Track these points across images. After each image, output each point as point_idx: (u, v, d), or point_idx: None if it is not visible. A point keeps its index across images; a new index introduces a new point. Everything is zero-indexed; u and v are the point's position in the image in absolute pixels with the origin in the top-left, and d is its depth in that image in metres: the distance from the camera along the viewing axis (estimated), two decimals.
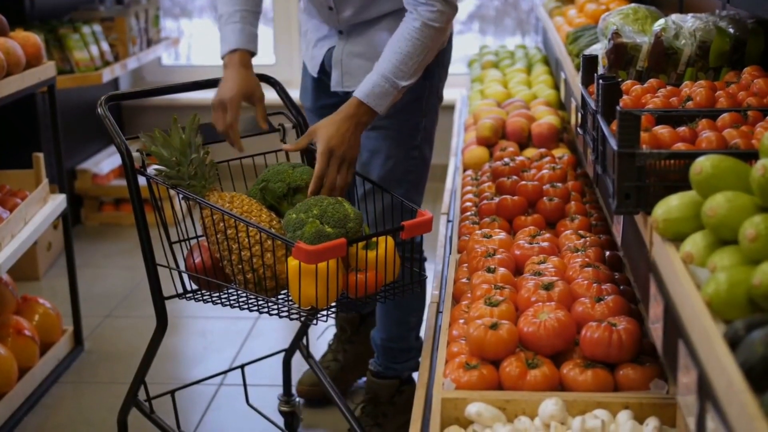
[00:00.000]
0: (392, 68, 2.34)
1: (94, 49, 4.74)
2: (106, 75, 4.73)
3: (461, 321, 2.11)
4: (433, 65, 2.56)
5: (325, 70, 2.76)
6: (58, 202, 3.49)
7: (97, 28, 4.87)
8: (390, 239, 2.14)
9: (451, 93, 5.44)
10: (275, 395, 2.98)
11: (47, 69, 3.43)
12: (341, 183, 2.29)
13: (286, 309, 2.11)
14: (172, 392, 2.55)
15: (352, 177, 2.33)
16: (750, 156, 1.50)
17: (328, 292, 2.03)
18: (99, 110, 2.35)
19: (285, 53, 5.97)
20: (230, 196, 2.21)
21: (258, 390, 3.27)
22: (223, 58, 2.50)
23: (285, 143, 2.37)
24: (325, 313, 2.09)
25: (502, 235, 2.50)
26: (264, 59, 6.07)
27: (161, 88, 2.52)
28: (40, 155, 3.54)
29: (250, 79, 2.46)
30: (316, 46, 2.76)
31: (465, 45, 6.11)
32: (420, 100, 2.67)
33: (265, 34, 6.15)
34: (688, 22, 2.32)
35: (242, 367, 2.75)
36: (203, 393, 3.29)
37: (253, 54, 2.52)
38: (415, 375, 3.01)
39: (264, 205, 2.25)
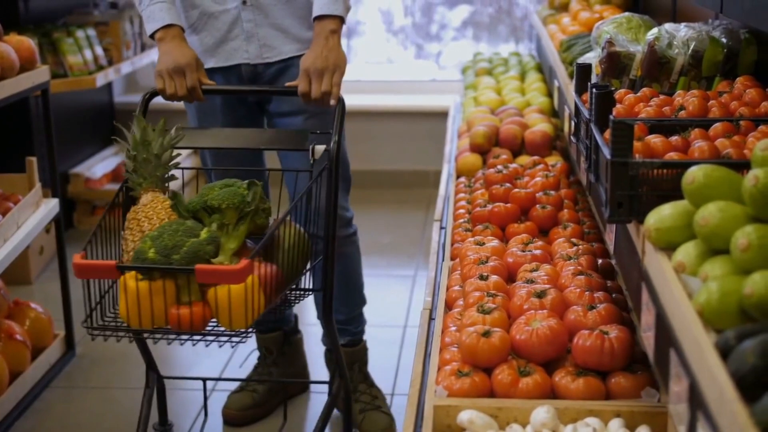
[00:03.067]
0: None
1: (88, 53, 4.74)
2: (100, 79, 4.72)
3: (453, 328, 2.11)
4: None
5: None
6: (50, 206, 3.48)
7: (92, 32, 4.86)
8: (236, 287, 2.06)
9: (444, 100, 5.48)
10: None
11: (41, 73, 3.43)
12: (327, 88, 2.48)
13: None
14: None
15: (338, 82, 2.50)
16: (742, 166, 1.51)
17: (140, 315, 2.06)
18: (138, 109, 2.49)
19: None
20: (155, 200, 2.22)
21: None
22: (153, 35, 2.61)
23: (313, 162, 2.42)
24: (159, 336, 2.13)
25: (495, 242, 2.50)
26: None
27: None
28: (33, 159, 3.53)
29: (193, 49, 2.59)
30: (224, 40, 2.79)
31: (459, 52, 6.13)
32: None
33: None
34: (682, 31, 2.33)
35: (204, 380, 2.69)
36: (196, 395, 3.28)
37: (183, 31, 2.65)
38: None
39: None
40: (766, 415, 1.02)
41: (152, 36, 2.62)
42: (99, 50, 4.88)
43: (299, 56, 2.71)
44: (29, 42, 3.43)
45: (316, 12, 2.59)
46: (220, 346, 2.13)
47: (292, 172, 2.69)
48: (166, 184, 2.29)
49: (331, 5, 2.58)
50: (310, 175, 2.39)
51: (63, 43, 4.63)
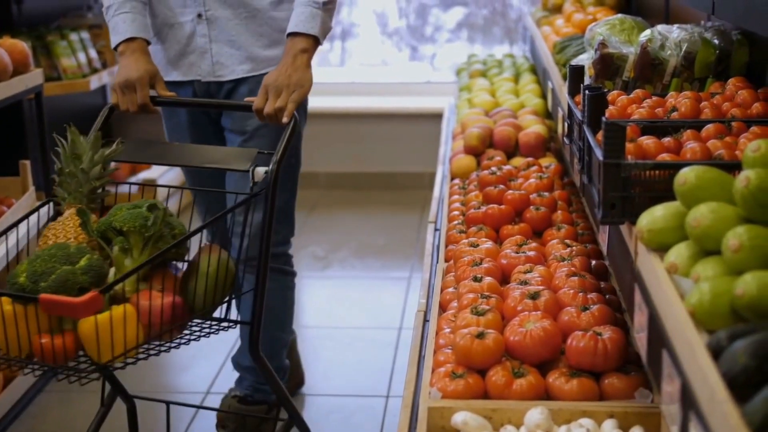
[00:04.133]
0: None
1: (81, 56, 4.73)
2: (94, 82, 4.72)
3: (448, 330, 2.11)
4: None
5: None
6: (44, 209, 3.48)
7: (85, 35, 4.86)
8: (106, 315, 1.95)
9: (438, 101, 5.48)
10: None
11: (35, 76, 3.43)
12: (281, 104, 2.39)
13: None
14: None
15: (296, 100, 2.40)
16: (733, 167, 1.51)
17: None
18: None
19: None
20: (70, 217, 2.16)
21: None
22: (116, 47, 2.56)
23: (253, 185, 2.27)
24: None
25: (489, 244, 2.50)
26: None
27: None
28: (27, 162, 3.53)
29: (151, 63, 2.54)
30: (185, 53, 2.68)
31: (453, 53, 6.13)
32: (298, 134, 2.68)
33: None
34: (674, 33, 2.34)
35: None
36: (189, 401, 3.27)
37: (148, 43, 2.58)
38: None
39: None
40: (757, 415, 1.02)
41: (115, 48, 2.57)
42: (93, 53, 4.87)
43: (254, 77, 2.62)
44: (23, 45, 3.42)
45: (289, 28, 2.49)
46: (82, 384, 2.01)
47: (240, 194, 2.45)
48: (96, 201, 2.22)
49: (306, 23, 2.47)
50: (249, 199, 2.23)
51: (57, 46, 4.63)
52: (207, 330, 2.24)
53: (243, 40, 2.64)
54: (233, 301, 2.26)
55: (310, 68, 2.49)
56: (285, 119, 2.38)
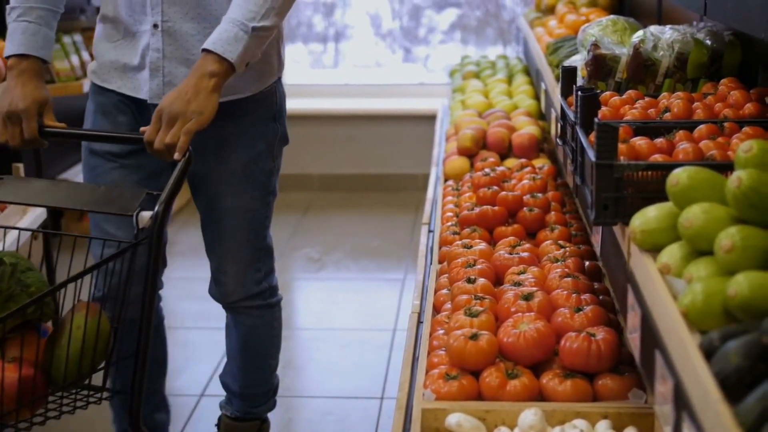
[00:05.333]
0: (239, 10, 2.13)
1: (74, 59, 4.73)
2: (87, 85, 4.71)
3: (441, 331, 2.11)
4: (281, 105, 2.46)
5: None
6: (38, 213, 3.47)
7: (78, 38, 4.86)
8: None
9: (432, 103, 5.49)
10: None
11: None
12: (171, 140, 2.05)
13: None
14: None
15: (190, 131, 2.06)
16: (726, 167, 1.51)
17: None
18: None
19: None
20: None
21: None
22: (8, 57, 2.25)
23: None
24: None
25: (483, 245, 2.51)
26: None
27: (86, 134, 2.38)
28: (20, 165, 3.52)
29: (41, 88, 2.22)
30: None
31: (446, 55, 6.14)
32: (271, 146, 2.46)
33: None
34: (667, 33, 2.34)
35: None
36: (184, 404, 3.27)
37: (45, 62, 2.26)
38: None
39: None
40: (749, 415, 1.02)
41: (7, 59, 2.25)
42: (86, 56, 4.87)
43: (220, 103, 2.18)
44: None
45: (206, 43, 2.12)
46: None
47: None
48: None
49: (226, 44, 2.10)
50: (133, 248, 1.95)
51: None
52: (73, 405, 1.97)
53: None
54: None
55: (215, 95, 2.10)
56: (176, 156, 2.04)
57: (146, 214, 1.95)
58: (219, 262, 2.50)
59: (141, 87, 2.32)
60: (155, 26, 2.27)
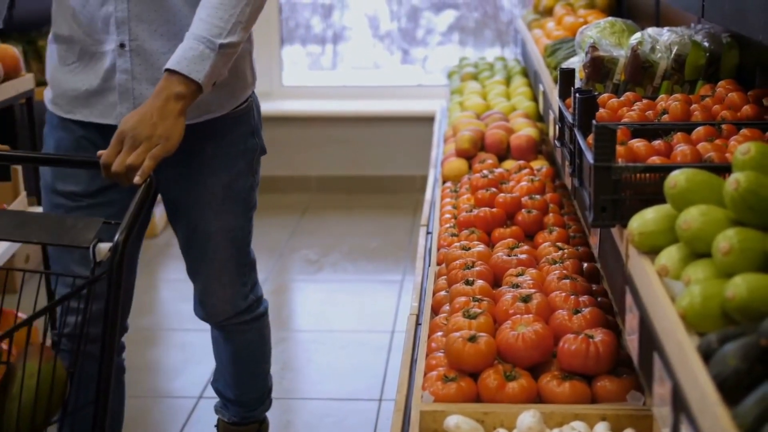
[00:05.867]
0: (204, 25, 2.00)
1: None
2: None
3: (440, 333, 2.11)
4: (258, 118, 2.36)
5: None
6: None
7: None
8: None
9: (430, 104, 5.49)
10: None
11: (26, 81, 3.42)
12: (134, 161, 1.90)
13: None
14: None
15: (156, 157, 1.92)
16: (723, 170, 1.52)
17: None
18: None
19: (265, 65, 5.98)
20: None
21: None
22: None
23: None
24: None
25: (481, 247, 2.51)
26: None
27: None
28: (19, 168, 3.52)
29: None
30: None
31: (445, 56, 6.14)
32: (251, 162, 2.36)
33: None
34: (664, 35, 2.35)
35: None
36: (182, 406, 3.27)
37: None
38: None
39: None
40: (747, 417, 1.03)
41: None
42: None
43: (188, 126, 2.03)
44: (13, 50, 3.42)
45: (170, 62, 1.98)
46: None
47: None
48: None
49: (192, 64, 1.96)
50: (89, 285, 1.75)
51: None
52: None
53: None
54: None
55: (182, 118, 1.97)
56: (137, 179, 1.89)
57: (104, 246, 1.76)
58: (204, 285, 2.41)
59: (109, 112, 2.16)
60: (122, 46, 2.12)
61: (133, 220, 1.78)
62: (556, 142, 2.33)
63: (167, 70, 1.98)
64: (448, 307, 2.22)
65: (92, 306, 1.77)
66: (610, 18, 2.72)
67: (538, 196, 2.81)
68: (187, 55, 1.97)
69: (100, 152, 1.95)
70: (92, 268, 1.76)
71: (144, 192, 1.85)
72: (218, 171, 2.28)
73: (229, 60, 2.05)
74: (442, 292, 2.35)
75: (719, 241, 1.29)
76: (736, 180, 1.32)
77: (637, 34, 2.40)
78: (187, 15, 2.10)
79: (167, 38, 2.13)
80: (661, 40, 2.33)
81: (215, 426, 2.74)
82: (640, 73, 2.31)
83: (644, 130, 1.89)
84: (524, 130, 3.55)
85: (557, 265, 2.33)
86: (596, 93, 2.15)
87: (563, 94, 2.19)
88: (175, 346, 3.80)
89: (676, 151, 1.74)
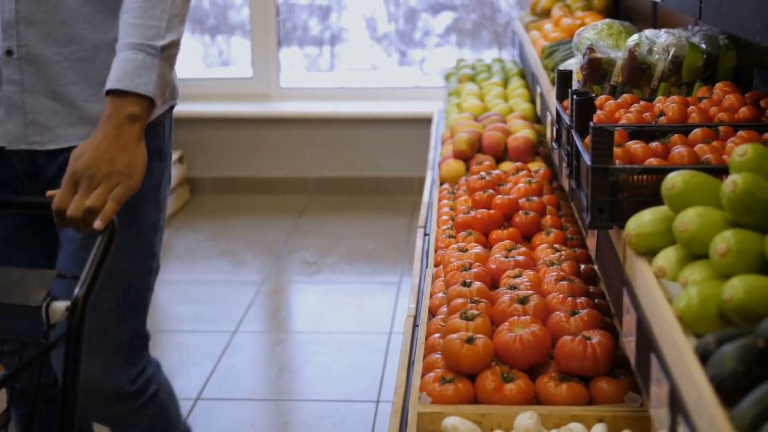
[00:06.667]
0: (135, 30, 1.72)
1: None
2: None
3: (437, 335, 2.11)
4: (169, 141, 2.03)
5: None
6: None
7: None
8: None
9: (428, 106, 5.49)
10: (252, 409, 2.96)
11: None
12: (94, 204, 1.62)
13: None
14: None
15: (119, 199, 1.65)
16: (721, 171, 1.52)
17: None
18: None
19: (263, 66, 5.97)
20: None
21: (234, 404, 3.26)
22: None
23: None
24: None
25: (478, 248, 2.51)
26: (241, 72, 6.08)
27: None
28: None
29: None
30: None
31: (442, 58, 6.14)
32: (158, 188, 1.98)
33: (242, 46, 6.16)
34: (662, 37, 2.35)
35: None
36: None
37: None
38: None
39: None
40: (744, 419, 1.03)
41: None
42: None
43: (72, 149, 1.74)
44: None
45: (110, 82, 1.70)
46: None
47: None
48: None
49: (137, 76, 1.68)
50: (42, 354, 1.50)
51: None
52: None
53: (74, 92, 1.86)
54: None
55: (142, 145, 1.70)
56: (98, 224, 1.61)
57: (60, 306, 1.52)
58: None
59: None
60: (8, 53, 1.83)
61: (95, 272, 1.54)
62: (553, 143, 2.33)
63: (109, 91, 1.70)
64: (445, 309, 2.22)
65: (45, 377, 1.51)
66: (607, 20, 2.72)
67: (535, 198, 2.81)
68: (127, 68, 1.69)
69: (50, 193, 1.68)
70: (45, 331, 1.50)
71: (107, 238, 1.60)
72: None
73: (174, 63, 1.79)
74: (440, 294, 2.35)
75: (716, 242, 1.29)
76: (733, 182, 1.32)
77: (635, 36, 2.40)
78: (86, 16, 1.84)
79: (63, 44, 1.84)
80: (659, 42, 2.33)
81: None
82: (638, 74, 2.32)
83: (641, 132, 1.89)
84: (521, 132, 3.55)
85: (555, 266, 2.33)
86: (593, 95, 2.15)
87: (561, 96, 2.19)
88: (172, 348, 3.80)
89: (673, 153, 1.74)
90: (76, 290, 1.52)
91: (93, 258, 1.56)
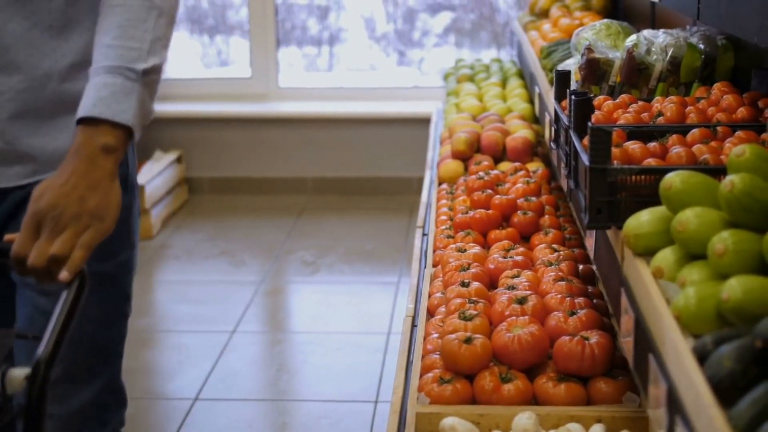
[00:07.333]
0: (114, 52, 1.52)
1: None
2: None
3: (435, 335, 2.11)
4: (132, 169, 1.82)
5: None
6: None
7: None
8: None
9: (426, 106, 5.49)
10: (250, 410, 2.97)
11: None
12: (59, 252, 1.38)
13: None
14: None
15: (88, 245, 1.42)
16: (719, 172, 1.52)
17: None
18: None
19: (261, 66, 5.97)
20: None
21: (233, 404, 3.26)
22: None
23: None
24: None
25: (477, 248, 2.51)
26: (240, 72, 6.08)
27: None
28: None
29: None
30: None
31: (441, 58, 6.14)
32: (127, 222, 1.76)
33: (241, 46, 6.16)
34: (660, 37, 2.35)
35: None
36: (177, 408, 3.27)
37: None
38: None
39: None
40: (742, 419, 1.03)
41: None
42: None
43: (37, 184, 1.50)
44: None
45: (82, 109, 1.49)
46: None
47: None
48: None
49: (112, 103, 1.47)
50: None
51: None
52: None
53: (17, 127, 1.65)
54: None
55: (116, 183, 1.48)
56: (65, 275, 1.38)
57: (19, 374, 1.28)
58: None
59: None
60: None
61: (60, 332, 1.31)
62: (551, 144, 2.33)
63: (80, 120, 1.49)
64: (443, 309, 2.22)
65: None
66: (605, 20, 2.72)
67: (533, 198, 2.81)
68: (102, 93, 1.48)
69: (8, 237, 1.44)
70: (1, 405, 1.27)
71: (75, 293, 1.36)
72: None
73: (155, 92, 1.58)
74: (438, 294, 2.35)
75: (714, 242, 1.29)
76: (731, 182, 1.32)
77: (633, 36, 2.40)
78: (34, 42, 1.62)
79: (7, 73, 1.63)
80: (657, 42, 2.33)
81: None
82: (636, 75, 2.32)
83: (640, 132, 1.89)
84: (520, 132, 3.55)
85: (553, 267, 2.33)
86: (592, 95, 2.15)
87: (559, 96, 2.19)
88: (170, 348, 3.80)
89: (671, 153, 1.75)
90: (39, 352, 1.28)
91: (59, 314, 1.33)
